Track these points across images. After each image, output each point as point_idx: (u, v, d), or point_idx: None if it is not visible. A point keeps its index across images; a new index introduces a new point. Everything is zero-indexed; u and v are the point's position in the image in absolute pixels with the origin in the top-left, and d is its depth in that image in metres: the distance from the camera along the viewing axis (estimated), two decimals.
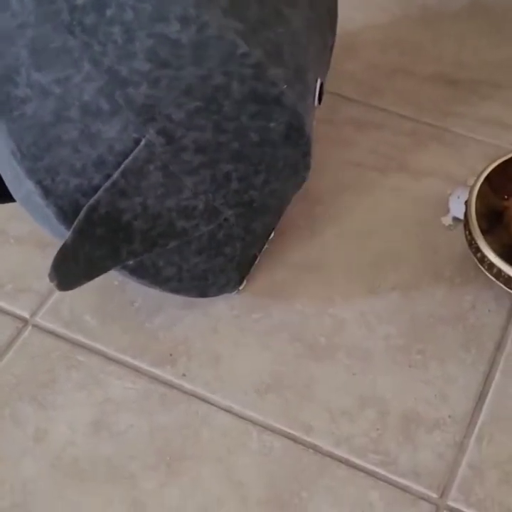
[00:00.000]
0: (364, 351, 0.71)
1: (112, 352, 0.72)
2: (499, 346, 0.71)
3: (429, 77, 0.91)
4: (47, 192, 0.60)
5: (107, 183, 0.60)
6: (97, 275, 0.63)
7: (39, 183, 0.60)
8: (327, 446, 0.66)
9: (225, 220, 0.67)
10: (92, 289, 0.75)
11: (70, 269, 0.60)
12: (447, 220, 0.78)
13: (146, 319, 0.74)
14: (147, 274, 0.67)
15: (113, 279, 0.76)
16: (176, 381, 0.70)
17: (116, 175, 0.60)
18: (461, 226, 0.77)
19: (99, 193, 0.60)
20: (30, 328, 0.74)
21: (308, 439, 0.67)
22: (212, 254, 0.69)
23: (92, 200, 0.60)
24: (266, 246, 0.75)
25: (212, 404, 0.69)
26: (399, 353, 0.71)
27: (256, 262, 0.74)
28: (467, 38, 0.95)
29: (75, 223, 0.59)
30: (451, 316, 0.73)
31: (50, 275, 0.59)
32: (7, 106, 0.59)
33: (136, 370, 0.71)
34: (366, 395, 0.69)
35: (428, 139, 0.86)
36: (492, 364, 0.70)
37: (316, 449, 0.66)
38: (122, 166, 0.60)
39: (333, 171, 0.84)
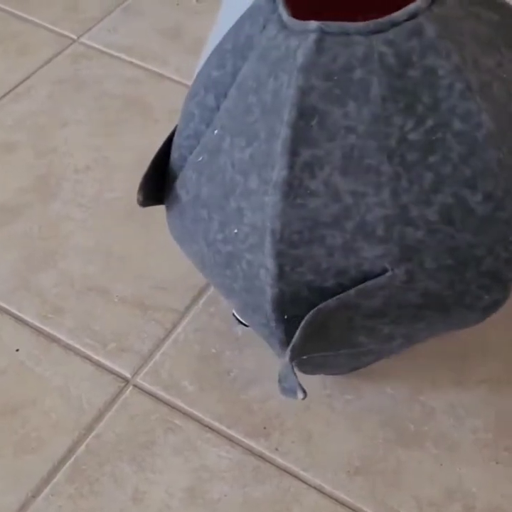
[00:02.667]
0: (452, 442, 0.73)
1: (207, 419, 0.75)
2: None
3: None
4: (281, 276, 0.62)
5: (342, 295, 0.62)
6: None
7: (280, 266, 0.61)
8: None
9: (391, 344, 0.70)
10: (190, 355, 0.78)
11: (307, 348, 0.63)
12: None
13: (241, 390, 0.77)
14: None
15: (210, 347, 0.79)
16: (269, 455, 0.73)
17: (352, 291, 0.62)
18: None
19: (331, 300, 0.62)
20: (131, 388, 0.77)
21: None
22: (354, 361, 0.74)
23: (322, 305, 0.61)
24: None
25: (303, 481, 0.71)
26: (486, 448, 0.73)
27: None
28: None
29: (305, 321, 0.61)
30: None
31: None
32: (294, 191, 0.60)
33: (231, 439, 0.74)
34: (453, 487, 0.71)
35: None
36: None
37: None
38: (361, 285, 0.62)
39: None
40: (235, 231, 0.64)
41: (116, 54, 1.11)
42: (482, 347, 0.79)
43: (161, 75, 1.08)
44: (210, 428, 0.74)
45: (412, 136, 0.59)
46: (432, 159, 0.59)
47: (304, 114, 0.58)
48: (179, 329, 0.81)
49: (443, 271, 0.63)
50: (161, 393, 0.77)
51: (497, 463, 0.72)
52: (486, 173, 0.60)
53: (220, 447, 0.73)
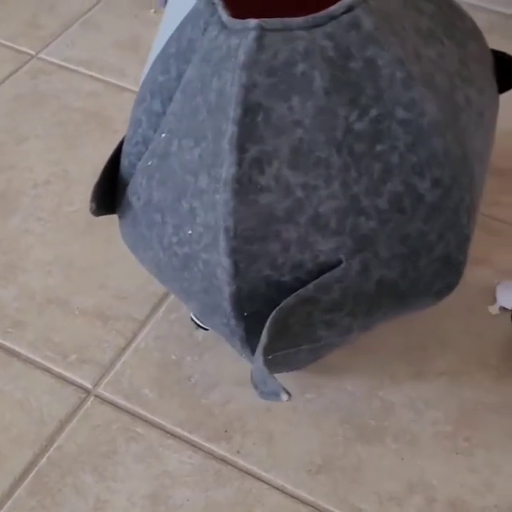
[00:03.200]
0: (412, 436, 0.74)
1: (169, 426, 0.75)
2: None
3: None
4: (237, 273, 0.62)
5: (301, 291, 0.62)
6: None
7: (235, 263, 0.61)
8: None
9: (349, 335, 0.69)
10: (151, 362, 0.79)
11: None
12: (494, 309, 0.81)
13: (202, 395, 0.77)
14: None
15: (170, 353, 0.80)
16: (231, 457, 0.73)
17: (310, 286, 0.62)
18: (507, 315, 0.80)
19: (290, 298, 0.62)
20: (92, 398, 0.77)
21: None
22: (313, 356, 0.75)
23: (283, 303, 0.61)
24: None
25: (265, 482, 0.72)
26: (446, 439, 0.73)
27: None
28: (510, 129, 0.99)
29: (270, 321, 0.61)
30: (497, 404, 0.75)
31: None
32: (245, 188, 0.60)
33: (193, 444, 0.74)
34: (413, 480, 0.71)
35: (477, 228, 0.89)
36: None
37: None
38: (319, 279, 0.62)
39: None
40: (190, 232, 0.64)
41: (74, 68, 1.12)
42: (440, 340, 0.80)
43: (120, 87, 1.09)
44: (171, 434, 0.75)
45: (358, 127, 0.60)
46: (379, 148, 0.60)
47: (249, 111, 0.59)
48: (140, 338, 0.81)
49: (397, 259, 0.63)
50: (123, 402, 0.77)
51: (457, 454, 0.73)
52: (433, 161, 0.61)
53: (182, 453, 0.74)
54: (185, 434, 0.75)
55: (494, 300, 0.82)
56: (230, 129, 0.59)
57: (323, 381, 0.78)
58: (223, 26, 0.62)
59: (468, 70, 0.68)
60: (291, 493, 0.71)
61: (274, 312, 0.61)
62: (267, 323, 0.61)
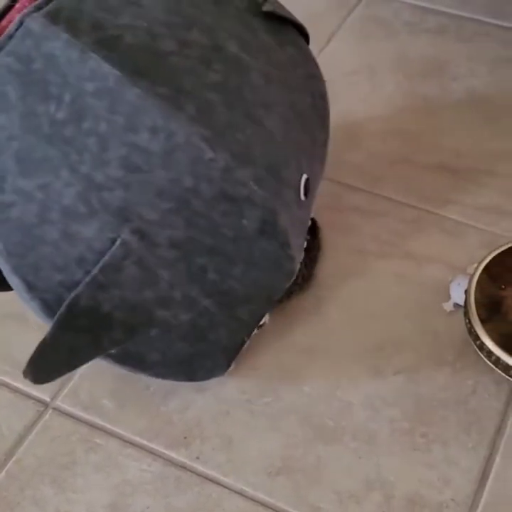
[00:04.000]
0: (369, 434, 0.74)
1: (128, 435, 0.75)
2: (499, 430, 0.74)
3: (430, 166, 0.96)
4: (31, 287, 0.66)
5: (87, 278, 0.65)
6: (80, 364, 0.68)
7: (24, 278, 0.66)
8: None
9: (205, 308, 0.71)
10: (109, 373, 0.79)
11: (49, 363, 0.65)
12: (448, 306, 0.82)
13: (161, 403, 0.77)
14: (132, 360, 0.71)
15: None
16: (190, 464, 0.73)
17: (94, 271, 0.65)
18: (461, 312, 0.81)
19: (80, 287, 0.65)
20: (50, 411, 0.77)
21: None
22: (196, 339, 0.73)
23: (72, 294, 0.65)
24: (255, 331, 0.78)
25: (225, 486, 0.72)
26: (403, 436, 0.74)
27: (245, 346, 0.77)
28: (466, 128, 1.00)
29: (56, 317, 0.65)
30: (453, 400, 0.76)
31: (24, 372, 0.64)
32: None
33: (152, 452, 0.74)
34: (372, 477, 0.72)
35: (429, 226, 0.90)
36: (492, 448, 0.73)
37: None
38: (100, 262, 0.65)
39: (337, 256, 0.88)
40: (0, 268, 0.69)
41: None
42: (396, 339, 0.81)
43: None
44: (131, 443, 0.75)
45: (60, 115, 0.64)
46: (86, 125, 0.64)
47: None
48: None
49: (169, 215, 0.65)
50: (81, 414, 0.77)
51: (414, 450, 0.73)
52: (137, 112, 0.63)
53: (142, 461, 0.74)
54: (144, 442, 0.75)
55: (448, 297, 0.83)
56: None
57: (280, 384, 0.78)
58: None
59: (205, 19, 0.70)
60: (251, 497, 0.71)
61: (61, 308, 0.64)
62: (54, 319, 0.64)
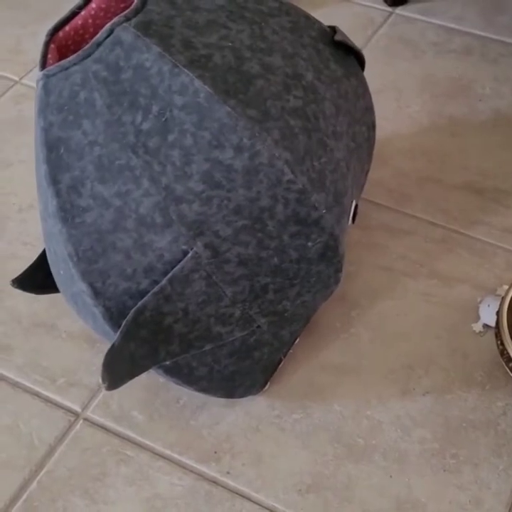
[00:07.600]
0: (400, 454, 0.75)
1: (159, 448, 0.75)
2: None
3: (457, 185, 0.97)
4: (97, 293, 0.66)
5: (155, 289, 0.65)
6: (138, 374, 0.67)
7: (91, 284, 0.66)
8: None
9: (258, 327, 0.71)
10: (139, 385, 0.79)
11: (118, 369, 0.64)
12: (478, 327, 0.83)
13: (191, 416, 0.77)
14: (181, 373, 0.71)
15: (158, 376, 0.80)
16: (221, 479, 0.74)
17: (163, 281, 0.65)
18: (490, 333, 0.81)
19: (147, 297, 0.65)
20: (81, 421, 0.77)
21: None
22: (242, 357, 0.73)
23: (139, 304, 0.65)
24: (290, 351, 0.79)
25: (255, 502, 0.72)
26: (433, 457, 0.74)
27: (280, 366, 0.78)
28: (492, 149, 1.01)
29: (123, 325, 0.64)
30: (482, 422, 0.76)
31: (102, 376, 0.63)
32: (70, 213, 0.66)
33: (183, 466, 0.74)
34: (402, 497, 0.72)
35: (457, 247, 0.91)
36: None
37: None
38: (170, 273, 0.65)
39: (366, 275, 0.88)
40: (61, 272, 0.70)
41: None
42: (425, 359, 0.81)
43: None
44: (161, 456, 0.75)
45: (146, 126, 0.65)
46: (171, 138, 0.64)
47: (52, 148, 0.66)
48: None
49: (243, 232, 0.66)
50: (112, 425, 0.77)
51: (444, 471, 0.74)
52: (224, 129, 0.64)
53: (172, 475, 0.74)
54: (175, 456, 0.75)
55: (477, 318, 0.84)
56: (43, 169, 0.67)
57: (310, 402, 0.78)
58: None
59: (266, 42, 0.71)
60: None
61: (129, 315, 0.64)
62: (122, 327, 0.64)
